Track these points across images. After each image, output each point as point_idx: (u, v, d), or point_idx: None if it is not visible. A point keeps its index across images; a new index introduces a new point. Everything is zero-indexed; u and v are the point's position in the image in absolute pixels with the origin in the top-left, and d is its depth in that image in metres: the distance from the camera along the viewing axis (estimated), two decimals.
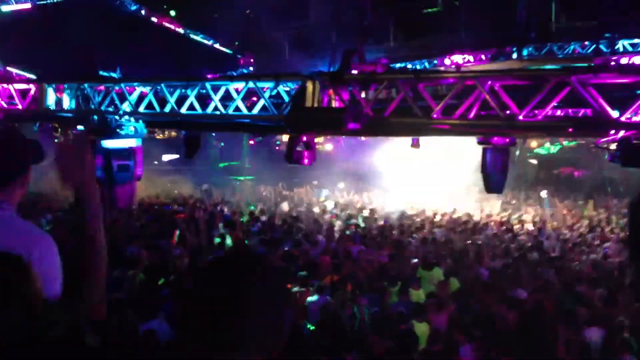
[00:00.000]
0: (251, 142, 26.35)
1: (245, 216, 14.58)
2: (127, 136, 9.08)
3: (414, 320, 7.27)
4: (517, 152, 22.19)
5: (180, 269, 8.44)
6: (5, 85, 10.69)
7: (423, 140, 10.80)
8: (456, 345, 6.66)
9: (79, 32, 14.82)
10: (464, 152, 16.70)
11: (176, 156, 24.06)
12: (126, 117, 9.04)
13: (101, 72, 15.85)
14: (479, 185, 10.07)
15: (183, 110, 8.87)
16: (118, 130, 8.92)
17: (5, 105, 10.58)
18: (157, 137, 24.87)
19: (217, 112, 8.58)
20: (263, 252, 9.48)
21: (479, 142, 7.98)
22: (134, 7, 21.06)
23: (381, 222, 14.88)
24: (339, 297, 7.69)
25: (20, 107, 10.42)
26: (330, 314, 7.12)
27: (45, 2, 18.51)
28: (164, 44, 19.88)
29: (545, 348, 6.69)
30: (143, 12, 21.40)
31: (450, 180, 19.11)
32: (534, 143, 21.29)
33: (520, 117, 6.84)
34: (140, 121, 9.22)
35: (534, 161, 23.07)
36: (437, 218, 16.23)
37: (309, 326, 6.78)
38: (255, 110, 8.36)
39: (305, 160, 8.01)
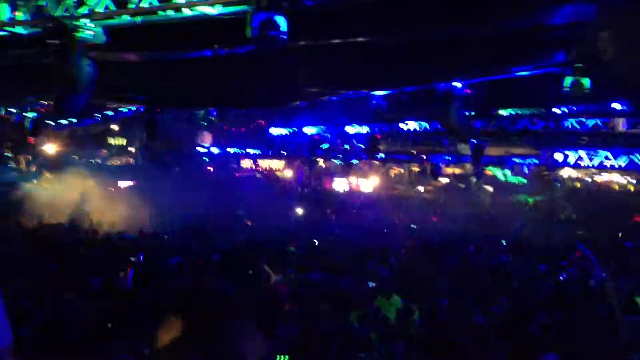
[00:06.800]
0: None
1: None
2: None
3: None
4: (474, 179, 22.74)
5: None
6: None
7: None
8: None
9: None
10: None
11: (131, 183, 23.50)
12: (84, 20, 7.90)
13: None
14: None
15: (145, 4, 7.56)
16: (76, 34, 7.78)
17: None
18: (113, 163, 24.44)
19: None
20: None
21: None
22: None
23: None
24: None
25: None
26: None
27: None
28: None
29: None
30: None
31: None
32: (489, 169, 21.79)
33: None
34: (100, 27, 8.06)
35: (490, 188, 23.62)
36: None
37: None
38: None
39: None
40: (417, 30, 7.46)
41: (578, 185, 22.49)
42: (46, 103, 14.22)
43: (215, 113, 18.02)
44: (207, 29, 7.77)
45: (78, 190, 19.06)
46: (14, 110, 17.14)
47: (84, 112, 16.61)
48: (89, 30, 7.81)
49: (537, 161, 19.08)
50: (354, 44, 8.10)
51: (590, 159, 18.40)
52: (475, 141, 17.80)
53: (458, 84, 10.35)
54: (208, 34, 7.97)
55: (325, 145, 21.84)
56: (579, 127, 17.10)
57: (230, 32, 7.38)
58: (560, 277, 13.20)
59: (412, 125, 19.63)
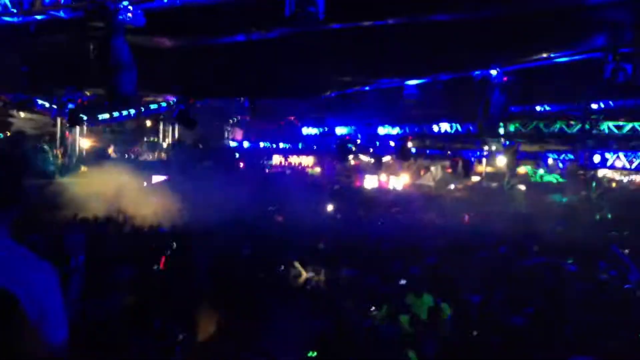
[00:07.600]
0: None
1: None
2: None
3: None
4: (506, 179, 22.39)
5: None
6: None
7: None
8: None
9: None
10: None
11: (164, 177, 23.74)
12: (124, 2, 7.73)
13: None
14: None
15: None
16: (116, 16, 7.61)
17: None
18: (147, 158, 24.77)
19: None
20: None
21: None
22: None
23: None
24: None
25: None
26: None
27: None
28: None
29: None
30: None
31: None
32: (522, 169, 21.46)
33: None
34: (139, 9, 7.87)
35: (523, 187, 23.22)
36: None
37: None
38: None
39: None
40: (450, 12, 7.30)
41: (614, 184, 21.97)
42: (86, 94, 14.42)
43: (247, 105, 18.04)
44: (244, 11, 7.60)
45: (113, 185, 19.35)
46: (49, 105, 17.50)
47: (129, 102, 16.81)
48: (128, 12, 7.64)
49: (572, 157, 18.76)
50: (386, 28, 7.95)
51: (630, 162, 17.99)
52: (508, 142, 17.55)
53: (494, 72, 10.12)
54: (245, 16, 7.87)
55: (355, 143, 21.75)
56: (616, 131, 16.77)
57: (267, 14, 7.34)
58: (597, 279, 12.89)
59: (444, 126, 19.45)
